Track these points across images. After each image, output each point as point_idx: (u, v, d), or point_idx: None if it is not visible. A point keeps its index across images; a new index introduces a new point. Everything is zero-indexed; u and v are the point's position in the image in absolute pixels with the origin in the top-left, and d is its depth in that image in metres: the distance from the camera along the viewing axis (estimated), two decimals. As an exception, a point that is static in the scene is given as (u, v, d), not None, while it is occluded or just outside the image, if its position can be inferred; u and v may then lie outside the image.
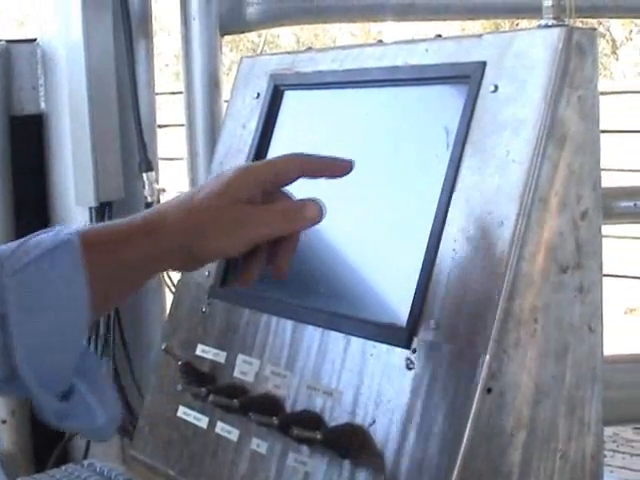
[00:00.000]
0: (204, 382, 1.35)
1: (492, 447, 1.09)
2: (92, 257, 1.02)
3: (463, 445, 1.06)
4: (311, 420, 1.20)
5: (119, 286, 1.08)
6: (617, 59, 11.93)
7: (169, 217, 1.08)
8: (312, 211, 1.11)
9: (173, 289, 1.83)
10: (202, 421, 1.38)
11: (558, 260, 1.13)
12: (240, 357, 1.35)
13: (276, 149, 1.44)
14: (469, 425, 1.06)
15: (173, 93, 7.50)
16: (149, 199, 1.88)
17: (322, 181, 1.34)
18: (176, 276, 1.65)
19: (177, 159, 2.03)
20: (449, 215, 1.16)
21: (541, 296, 1.12)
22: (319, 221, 1.12)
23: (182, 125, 2.18)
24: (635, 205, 2.10)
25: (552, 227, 1.12)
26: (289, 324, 1.31)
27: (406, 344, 1.15)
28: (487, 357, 1.07)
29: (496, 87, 1.17)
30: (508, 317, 1.09)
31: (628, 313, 6.57)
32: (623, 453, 4.26)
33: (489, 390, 1.07)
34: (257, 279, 1.15)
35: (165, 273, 1.90)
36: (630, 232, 5.31)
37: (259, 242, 1.10)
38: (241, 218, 1.09)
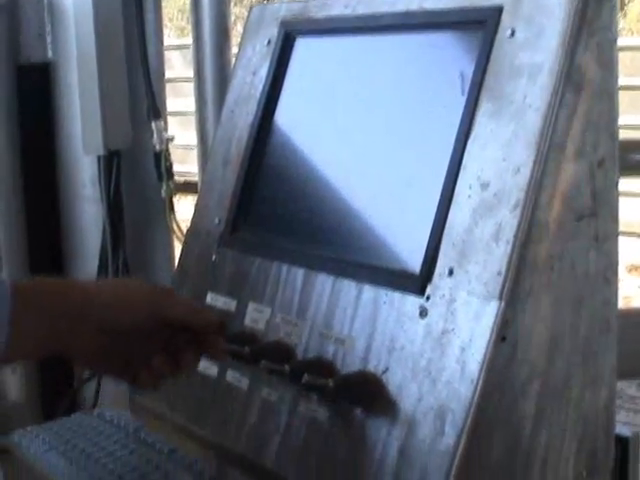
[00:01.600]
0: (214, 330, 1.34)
1: (505, 396, 1.08)
2: (19, 304, 1.08)
3: (477, 394, 1.06)
4: (323, 368, 1.19)
5: (35, 339, 1.11)
6: (625, 15, 11.82)
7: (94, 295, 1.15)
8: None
9: (182, 239, 1.82)
10: (212, 370, 1.37)
11: (574, 208, 1.12)
12: (251, 305, 1.35)
13: (287, 96, 1.43)
14: (483, 374, 1.06)
15: (178, 47, 7.48)
16: (157, 148, 1.86)
17: (335, 129, 1.33)
18: (185, 225, 1.64)
19: (181, 113, 2.00)
20: (464, 161, 1.14)
21: (556, 244, 1.11)
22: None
23: (188, 80, 2.15)
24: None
25: (568, 175, 1.11)
26: (300, 272, 1.30)
27: (420, 291, 1.14)
28: (502, 304, 1.06)
29: (513, 32, 1.15)
30: (523, 265, 1.07)
31: (633, 271, 6.56)
32: (627, 410, 4.27)
33: (503, 338, 1.06)
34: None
35: (175, 222, 1.90)
36: (632, 188, 5.29)
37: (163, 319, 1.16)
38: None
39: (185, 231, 1.57)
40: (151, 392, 1.27)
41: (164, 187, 1.86)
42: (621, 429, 1.24)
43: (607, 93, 1.14)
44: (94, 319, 1.13)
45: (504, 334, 1.07)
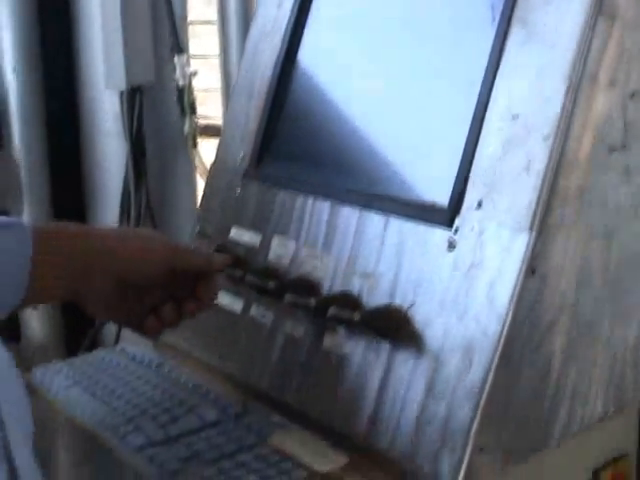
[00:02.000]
0: (238, 265, 1.33)
1: (534, 331, 1.07)
2: (41, 248, 1.08)
3: (505, 328, 1.04)
4: (349, 302, 1.18)
5: (54, 282, 1.11)
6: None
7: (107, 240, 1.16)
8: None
9: (205, 175, 1.81)
10: (236, 305, 1.36)
11: (605, 140, 1.10)
12: (275, 239, 1.33)
13: (312, 29, 1.40)
14: (512, 307, 1.04)
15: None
16: (180, 83, 1.84)
17: (361, 60, 1.31)
18: (209, 160, 1.62)
19: (201, 56, 1.97)
20: (494, 92, 1.12)
21: (587, 176, 1.09)
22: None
23: (207, 23, 2.12)
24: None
25: (600, 106, 1.09)
26: (326, 205, 1.28)
27: (448, 224, 1.12)
28: (532, 236, 1.04)
29: (545, -39, 1.12)
30: (553, 196, 1.06)
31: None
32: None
33: (533, 271, 1.05)
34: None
35: (198, 158, 1.88)
36: None
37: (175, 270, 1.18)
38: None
39: (208, 167, 1.56)
40: (154, 339, 1.28)
41: (187, 123, 1.84)
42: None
43: (640, 23, 1.12)
44: (112, 270, 1.14)
45: (534, 267, 1.05)
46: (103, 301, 1.17)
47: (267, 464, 1.13)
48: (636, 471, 1.22)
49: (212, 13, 2.26)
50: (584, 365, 1.13)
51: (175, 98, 1.83)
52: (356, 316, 1.14)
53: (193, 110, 1.84)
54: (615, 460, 1.19)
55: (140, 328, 1.22)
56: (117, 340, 1.84)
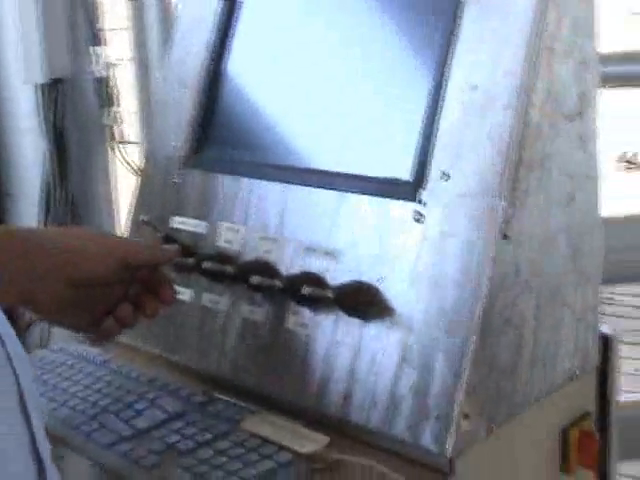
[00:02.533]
0: (187, 254, 1.30)
1: (508, 296, 1.09)
2: None
3: (483, 294, 1.06)
4: (314, 281, 1.17)
5: (8, 284, 1.07)
6: None
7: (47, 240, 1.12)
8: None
9: (130, 167, 1.77)
10: (185, 294, 1.34)
11: (562, 109, 1.13)
12: (223, 225, 1.31)
13: (246, 14, 1.39)
14: (488, 273, 1.06)
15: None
16: (100, 74, 1.78)
17: (305, 36, 1.30)
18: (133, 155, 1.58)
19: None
20: (453, 65, 1.13)
21: (548, 144, 1.12)
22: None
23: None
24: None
25: (557, 75, 1.12)
26: (275, 186, 1.27)
27: (413, 197, 1.13)
28: (503, 203, 1.06)
29: None
30: (520, 164, 1.08)
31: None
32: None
33: (505, 237, 1.07)
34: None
35: (121, 151, 1.83)
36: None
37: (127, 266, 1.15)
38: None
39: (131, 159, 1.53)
40: (110, 341, 1.25)
41: (107, 114, 1.79)
42: (602, 328, 1.27)
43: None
44: (65, 269, 1.10)
45: (506, 232, 1.07)
46: (57, 304, 1.12)
47: (247, 450, 1.12)
48: (596, 427, 1.26)
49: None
50: (553, 328, 1.16)
51: (94, 90, 1.78)
52: (329, 293, 1.13)
53: (114, 101, 1.79)
54: (580, 419, 1.23)
55: (95, 331, 1.18)
56: (43, 342, 1.77)
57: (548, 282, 1.14)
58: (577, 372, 1.20)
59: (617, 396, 1.29)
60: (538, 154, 1.10)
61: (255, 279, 1.17)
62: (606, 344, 1.26)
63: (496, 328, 1.08)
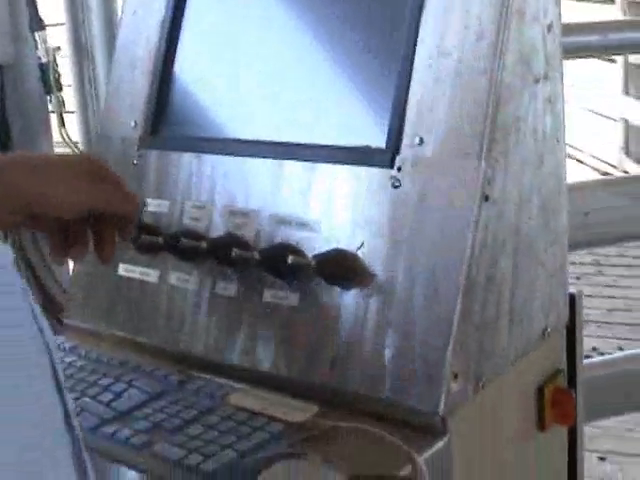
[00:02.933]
0: (152, 233, 1.28)
1: (488, 256, 1.11)
2: None
3: (466, 254, 1.08)
4: (292, 252, 1.17)
5: None
6: None
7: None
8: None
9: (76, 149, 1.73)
10: (151, 275, 1.32)
11: (532, 71, 1.16)
12: (188, 203, 1.30)
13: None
14: (472, 234, 1.08)
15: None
16: (43, 60, 1.74)
17: (263, 8, 1.30)
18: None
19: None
20: (420, 32, 1.15)
21: (520, 106, 1.14)
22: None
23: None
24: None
25: (526, 39, 1.14)
26: (239, 161, 1.26)
27: (389, 163, 1.14)
28: (483, 165, 1.08)
29: None
30: (496, 126, 1.10)
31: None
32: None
33: (487, 198, 1.09)
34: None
35: (67, 137, 1.79)
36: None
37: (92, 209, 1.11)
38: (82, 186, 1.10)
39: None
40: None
41: (53, 100, 1.75)
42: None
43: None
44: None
45: (487, 193, 1.09)
46: None
47: (237, 423, 1.11)
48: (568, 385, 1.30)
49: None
50: (528, 287, 1.18)
51: (38, 76, 1.74)
52: (312, 262, 1.13)
53: (59, 86, 1.75)
54: (552, 376, 1.26)
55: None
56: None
57: (523, 241, 1.16)
58: (549, 330, 1.23)
59: (582, 354, 1.33)
60: (511, 116, 1.13)
61: (234, 252, 1.16)
62: (573, 302, 1.29)
63: (479, 287, 1.09)
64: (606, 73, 6.53)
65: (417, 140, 1.13)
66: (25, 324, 0.68)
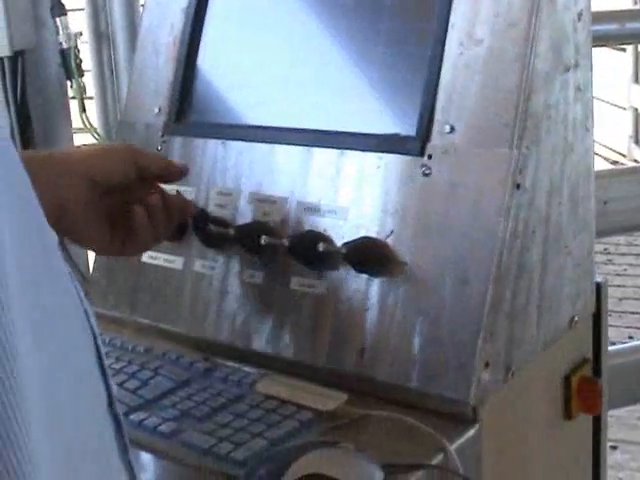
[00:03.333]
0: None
1: (518, 244, 1.10)
2: None
3: (497, 242, 1.07)
4: (321, 239, 1.16)
5: None
6: None
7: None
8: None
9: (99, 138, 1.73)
10: (175, 262, 1.31)
11: (563, 59, 1.15)
12: (213, 190, 1.30)
13: None
14: (503, 222, 1.07)
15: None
16: (65, 45, 1.73)
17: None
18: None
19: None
20: (451, 19, 1.14)
21: (551, 94, 1.13)
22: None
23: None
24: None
25: (558, 26, 1.14)
26: (268, 148, 1.25)
27: (419, 151, 1.13)
28: (515, 152, 1.08)
29: None
30: (528, 115, 1.09)
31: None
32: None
33: (518, 186, 1.08)
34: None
35: (88, 123, 1.78)
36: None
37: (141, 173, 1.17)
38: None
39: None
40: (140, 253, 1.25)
41: (74, 85, 1.74)
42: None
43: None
44: (82, 170, 1.11)
45: (518, 182, 1.08)
46: (84, 213, 1.12)
47: (266, 411, 1.11)
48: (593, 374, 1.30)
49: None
50: (556, 275, 1.18)
51: (58, 61, 1.73)
52: (343, 249, 1.13)
53: (80, 72, 1.74)
54: (579, 365, 1.26)
55: (129, 240, 1.18)
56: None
57: (553, 229, 1.16)
58: (576, 318, 1.23)
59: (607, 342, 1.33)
60: (542, 104, 1.12)
61: (263, 239, 1.15)
62: (599, 291, 1.29)
63: (509, 276, 1.09)
64: (616, 62, 6.50)
65: (447, 128, 1.12)
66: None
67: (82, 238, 1.16)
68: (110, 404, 0.72)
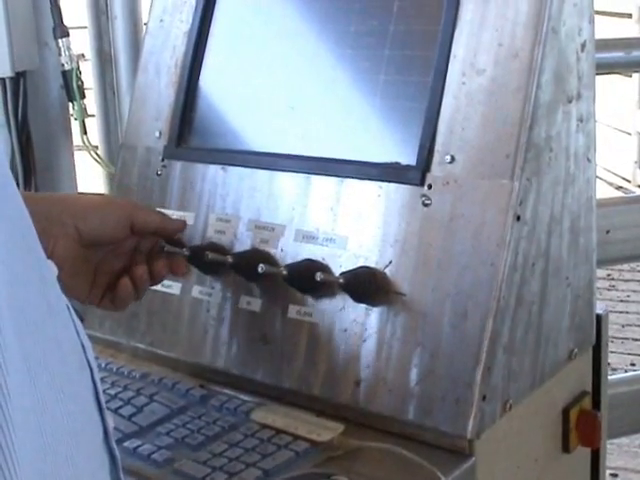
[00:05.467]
0: (176, 245, 1.27)
1: (518, 277, 1.09)
2: None
3: (498, 274, 1.06)
4: (319, 268, 1.15)
5: None
6: None
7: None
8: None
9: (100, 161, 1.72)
10: (173, 287, 1.31)
11: (566, 90, 1.14)
12: (212, 216, 1.29)
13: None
14: (504, 255, 1.06)
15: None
16: (66, 67, 1.73)
17: (292, 23, 1.29)
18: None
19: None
20: (454, 49, 1.13)
21: (553, 125, 1.13)
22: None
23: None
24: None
25: (561, 57, 1.13)
26: (267, 174, 1.25)
27: (419, 181, 1.12)
28: (516, 184, 1.07)
29: None
30: (530, 146, 1.08)
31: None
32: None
33: (518, 218, 1.07)
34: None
35: (89, 144, 1.78)
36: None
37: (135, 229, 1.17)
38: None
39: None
40: (121, 309, 1.21)
41: (76, 107, 1.73)
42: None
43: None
44: (74, 223, 1.11)
45: (519, 213, 1.08)
46: (70, 260, 1.11)
47: (261, 441, 1.10)
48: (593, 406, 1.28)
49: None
50: (556, 307, 1.17)
51: (60, 83, 1.73)
52: (340, 279, 1.12)
53: (81, 94, 1.74)
54: (578, 398, 1.25)
55: (110, 293, 1.17)
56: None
57: (553, 261, 1.15)
58: (576, 351, 1.22)
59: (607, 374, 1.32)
60: (544, 136, 1.11)
61: (261, 268, 1.15)
62: (599, 322, 1.28)
63: (509, 308, 1.08)
64: (622, 87, 6.50)
65: (448, 158, 1.11)
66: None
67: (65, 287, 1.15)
68: (106, 438, 0.71)
